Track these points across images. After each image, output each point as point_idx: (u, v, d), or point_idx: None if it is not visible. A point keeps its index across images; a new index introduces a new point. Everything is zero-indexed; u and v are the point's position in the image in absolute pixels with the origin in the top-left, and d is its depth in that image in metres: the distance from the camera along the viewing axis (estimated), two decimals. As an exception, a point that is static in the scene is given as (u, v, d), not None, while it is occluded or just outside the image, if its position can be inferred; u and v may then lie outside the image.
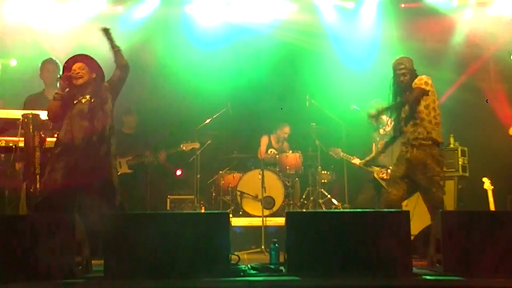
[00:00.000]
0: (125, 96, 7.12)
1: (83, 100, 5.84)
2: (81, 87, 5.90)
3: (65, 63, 6.04)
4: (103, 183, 5.74)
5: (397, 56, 6.50)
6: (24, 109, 6.88)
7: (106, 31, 6.04)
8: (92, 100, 5.86)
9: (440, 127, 6.26)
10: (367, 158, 7.94)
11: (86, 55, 6.06)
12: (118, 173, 6.42)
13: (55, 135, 6.13)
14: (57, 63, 7.35)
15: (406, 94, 6.24)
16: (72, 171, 5.60)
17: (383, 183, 8.07)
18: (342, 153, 8.82)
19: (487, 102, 8.70)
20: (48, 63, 7.41)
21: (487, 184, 8.19)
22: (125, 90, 6.32)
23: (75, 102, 5.86)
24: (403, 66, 6.27)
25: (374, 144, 8.56)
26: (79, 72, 5.88)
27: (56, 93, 5.88)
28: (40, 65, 7.47)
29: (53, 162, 5.69)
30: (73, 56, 6.03)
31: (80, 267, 4.46)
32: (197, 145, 8.99)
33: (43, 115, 6.23)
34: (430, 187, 6.02)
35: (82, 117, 5.78)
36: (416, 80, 6.18)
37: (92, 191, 5.70)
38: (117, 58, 6.04)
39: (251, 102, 9.74)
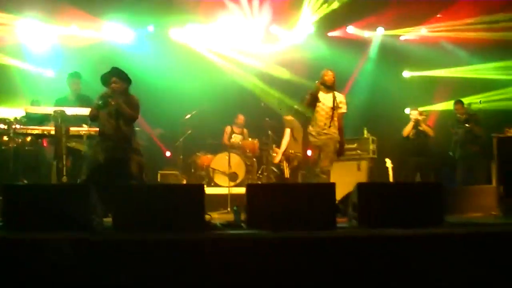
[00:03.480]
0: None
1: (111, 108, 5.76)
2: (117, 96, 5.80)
3: (104, 77, 5.84)
4: (125, 163, 5.71)
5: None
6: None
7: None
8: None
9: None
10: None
11: (118, 69, 5.88)
12: None
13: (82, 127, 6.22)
14: (80, 76, 7.23)
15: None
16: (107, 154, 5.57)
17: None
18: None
19: (480, 103, 8.52)
20: (75, 77, 7.26)
21: (388, 163, 8.37)
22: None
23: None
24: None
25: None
26: (114, 86, 5.76)
27: (96, 104, 5.75)
28: (68, 76, 7.33)
29: (95, 147, 5.65)
30: (109, 73, 5.84)
31: (95, 222, 4.45)
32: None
33: (69, 111, 6.19)
34: None
35: (110, 116, 5.72)
36: None
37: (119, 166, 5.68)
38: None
39: (221, 101, 9.73)
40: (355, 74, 10.22)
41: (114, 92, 5.72)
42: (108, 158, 5.64)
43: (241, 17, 9.75)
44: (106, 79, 5.80)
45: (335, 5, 9.48)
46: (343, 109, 6.63)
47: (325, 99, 6.58)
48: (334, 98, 6.56)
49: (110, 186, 5.05)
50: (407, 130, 8.57)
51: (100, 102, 5.69)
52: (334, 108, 6.51)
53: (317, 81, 6.62)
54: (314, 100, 6.53)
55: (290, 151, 8.22)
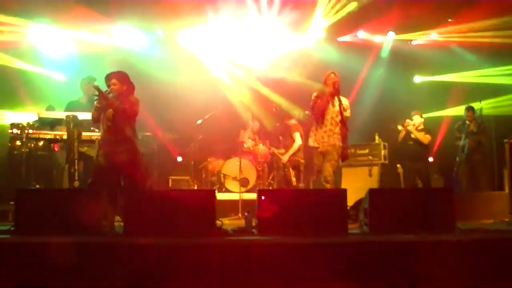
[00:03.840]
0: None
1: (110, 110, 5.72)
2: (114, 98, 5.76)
3: (105, 79, 5.77)
4: (128, 167, 5.67)
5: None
6: (65, 110, 6.86)
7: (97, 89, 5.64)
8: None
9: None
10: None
11: (118, 72, 5.77)
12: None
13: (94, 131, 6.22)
14: (94, 79, 7.26)
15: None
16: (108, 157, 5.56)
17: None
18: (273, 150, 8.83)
19: (480, 102, 8.37)
20: (89, 81, 7.27)
21: (400, 169, 8.31)
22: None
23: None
24: None
25: None
26: (112, 88, 5.75)
27: (95, 106, 5.73)
28: (82, 80, 7.39)
29: (98, 150, 5.63)
30: (109, 74, 5.74)
31: (105, 227, 4.48)
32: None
33: (81, 116, 6.22)
34: None
35: (108, 119, 5.69)
36: None
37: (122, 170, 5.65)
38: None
39: (233, 106, 9.74)
40: (365, 79, 10.17)
41: (110, 93, 5.65)
42: (109, 160, 5.58)
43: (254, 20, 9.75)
44: (106, 80, 5.79)
45: (350, 7, 9.42)
46: (347, 113, 6.45)
47: (331, 103, 6.36)
48: (340, 102, 6.36)
49: (117, 189, 5.09)
50: (399, 138, 8.57)
51: (95, 103, 5.65)
52: (341, 112, 6.32)
53: (325, 86, 6.39)
54: (326, 105, 6.32)
55: (297, 159, 8.23)
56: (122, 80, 5.71)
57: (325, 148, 6.30)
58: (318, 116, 6.36)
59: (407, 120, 8.49)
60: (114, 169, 5.43)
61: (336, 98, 6.36)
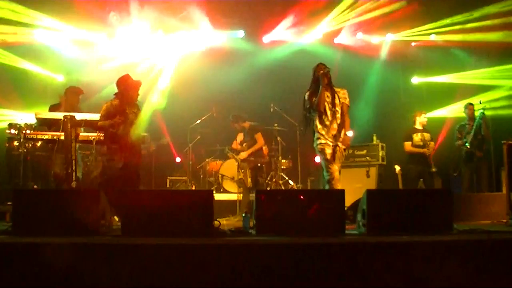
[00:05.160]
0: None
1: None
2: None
3: (132, 83, 6.09)
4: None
5: None
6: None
7: None
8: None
9: None
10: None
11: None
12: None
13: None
14: (80, 91, 7.30)
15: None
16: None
17: None
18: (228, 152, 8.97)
19: (480, 103, 8.36)
20: (75, 90, 7.31)
21: (397, 169, 8.33)
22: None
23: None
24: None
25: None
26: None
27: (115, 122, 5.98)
28: (68, 88, 7.35)
29: (112, 155, 5.89)
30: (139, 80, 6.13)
31: (103, 227, 4.48)
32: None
33: (78, 116, 6.22)
34: None
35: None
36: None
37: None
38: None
39: (230, 107, 9.75)
40: (363, 80, 10.19)
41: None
42: (126, 163, 5.72)
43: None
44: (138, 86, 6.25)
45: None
46: (347, 101, 6.21)
47: (327, 96, 6.09)
48: (335, 94, 6.13)
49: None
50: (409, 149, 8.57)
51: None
52: (336, 105, 6.10)
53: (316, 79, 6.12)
54: (323, 99, 6.03)
55: (257, 160, 8.26)
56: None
57: (331, 145, 6.09)
58: (320, 112, 6.09)
59: (431, 144, 8.48)
60: (126, 171, 5.61)
61: (330, 90, 6.11)
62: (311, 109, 6.19)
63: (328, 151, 6.09)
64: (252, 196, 8.21)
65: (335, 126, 6.11)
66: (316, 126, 6.18)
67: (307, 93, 6.24)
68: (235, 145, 9.31)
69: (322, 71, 6.05)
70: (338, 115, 6.13)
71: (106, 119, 5.97)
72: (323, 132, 6.13)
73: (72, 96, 7.19)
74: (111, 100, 6.15)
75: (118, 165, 5.68)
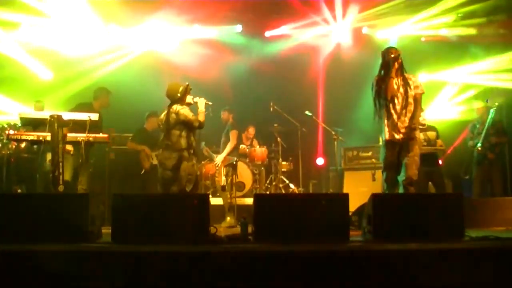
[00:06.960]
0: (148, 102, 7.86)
1: None
2: None
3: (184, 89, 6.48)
4: None
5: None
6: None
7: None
8: None
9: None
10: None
11: None
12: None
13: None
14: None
15: None
16: None
17: None
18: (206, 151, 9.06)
19: (487, 102, 8.31)
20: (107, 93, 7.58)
21: None
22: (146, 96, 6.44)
23: None
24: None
25: None
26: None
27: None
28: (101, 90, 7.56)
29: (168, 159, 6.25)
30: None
31: (92, 234, 4.46)
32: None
33: (66, 116, 6.17)
34: None
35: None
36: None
37: None
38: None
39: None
40: (369, 78, 10.16)
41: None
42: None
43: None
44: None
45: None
46: (420, 90, 5.83)
47: (396, 84, 5.76)
48: (405, 81, 5.78)
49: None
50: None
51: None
52: (408, 94, 5.73)
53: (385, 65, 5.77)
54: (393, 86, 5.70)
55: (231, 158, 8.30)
56: None
57: (402, 141, 5.73)
58: (388, 101, 5.75)
59: (439, 142, 8.46)
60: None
61: (401, 77, 5.80)
62: (380, 97, 5.84)
63: (391, 149, 5.76)
64: (241, 199, 8.31)
65: (403, 118, 5.75)
66: (384, 117, 5.84)
67: (376, 78, 5.92)
68: (245, 140, 9.37)
69: (392, 55, 5.78)
70: (411, 107, 5.76)
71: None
72: (390, 124, 5.79)
73: (105, 97, 7.53)
74: (181, 107, 6.39)
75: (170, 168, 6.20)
